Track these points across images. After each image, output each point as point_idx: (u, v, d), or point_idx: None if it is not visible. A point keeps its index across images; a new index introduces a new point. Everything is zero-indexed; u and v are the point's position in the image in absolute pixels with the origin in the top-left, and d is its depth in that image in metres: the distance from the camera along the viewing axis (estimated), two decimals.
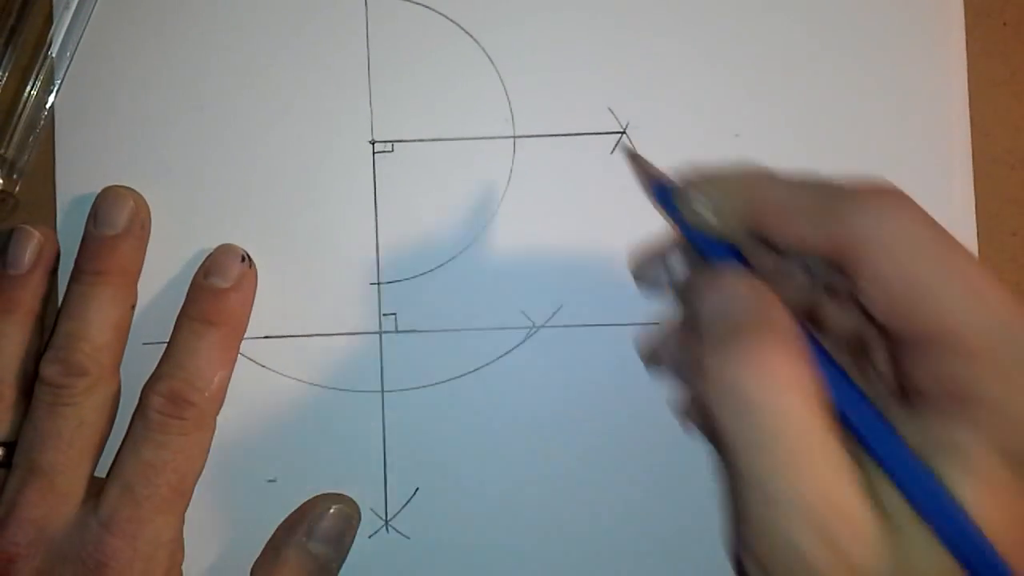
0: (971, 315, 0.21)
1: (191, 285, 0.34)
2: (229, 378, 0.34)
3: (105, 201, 0.34)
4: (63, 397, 0.32)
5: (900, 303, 0.21)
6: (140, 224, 0.34)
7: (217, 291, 0.33)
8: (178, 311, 0.34)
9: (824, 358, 0.23)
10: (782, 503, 0.20)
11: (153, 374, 0.33)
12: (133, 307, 0.34)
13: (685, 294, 0.27)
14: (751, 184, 0.25)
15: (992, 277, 0.21)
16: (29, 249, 0.34)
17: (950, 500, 0.20)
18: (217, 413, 0.34)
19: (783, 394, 0.20)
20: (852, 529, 0.20)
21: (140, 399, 0.33)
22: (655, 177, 0.27)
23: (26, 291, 0.33)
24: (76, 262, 0.34)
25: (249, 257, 0.34)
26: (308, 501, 0.34)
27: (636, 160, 0.28)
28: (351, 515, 0.34)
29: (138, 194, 0.35)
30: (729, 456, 0.21)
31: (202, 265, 0.34)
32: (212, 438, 0.33)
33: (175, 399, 0.32)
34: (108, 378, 0.33)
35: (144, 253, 0.35)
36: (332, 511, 0.34)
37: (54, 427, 0.32)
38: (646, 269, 0.29)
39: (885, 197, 0.22)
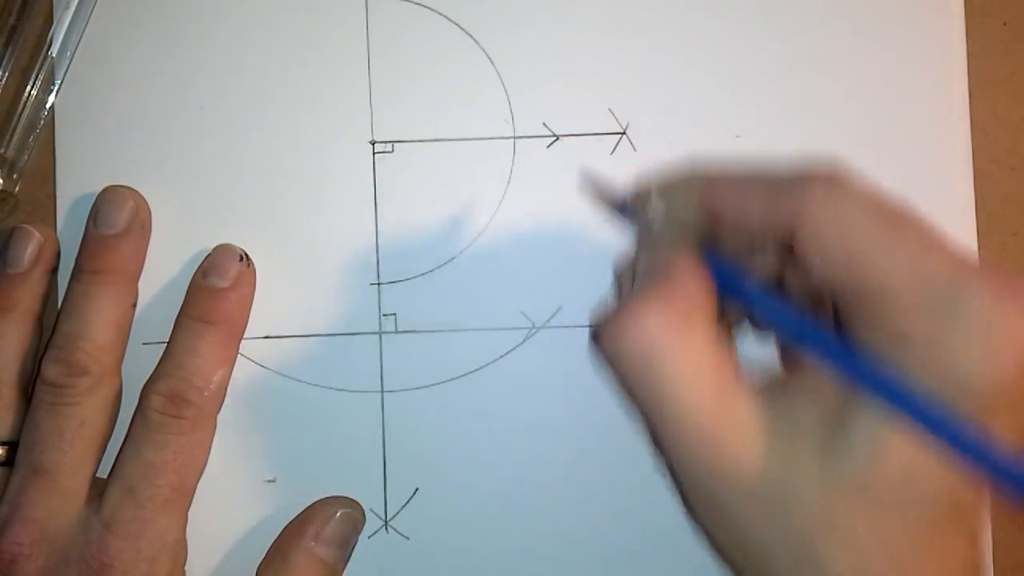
0: (907, 275, 0.23)
1: (190, 285, 0.34)
2: (229, 377, 0.34)
3: (106, 201, 0.34)
4: (65, 397, 0.32)
5: (844, 272, 0.24)
6: (140, 224, 0.34)
7: (215, 290, 0.33)
8: (178, 311, 0.34)
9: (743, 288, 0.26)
10: (674, 419, 0.24)
11: (153, 374, 0.33)
12: (134, 306, 0.34)
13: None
14: (703, 180, 0.27)
15: (928, 239, 0.23)
16: (29, 248, 0.34)
17: (907, 387, 0.23)
18: (217, 412, 0.34)
19: (661, 336, 0.24)
20: (733, 436, 0.24)
21: (140, 399, 0.33)
22: (617, 196, 0.29)
23: (25, 290, 0.33)
24: (76, 262, 0.34)
25: (247, 256, 0.34)
26: (314, 504, 0.34)
27: (594, 184, 0.30)
28: (357, 518, 0.34)
29: (138, 194, 0.35)
30: (633, 395, 0.25)
31: (201, 265, 0.34)
32: (213, 437, 0.33)
33: (175, 398, 0.32)
34: (109, 378, 0.33)
35: (145, 253, 0.35)
36: (339, 514, 0.34)
37: (56, 427, 0.32)
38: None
39: (829, 178, 0.24)
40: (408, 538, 0.35)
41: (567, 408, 0.35)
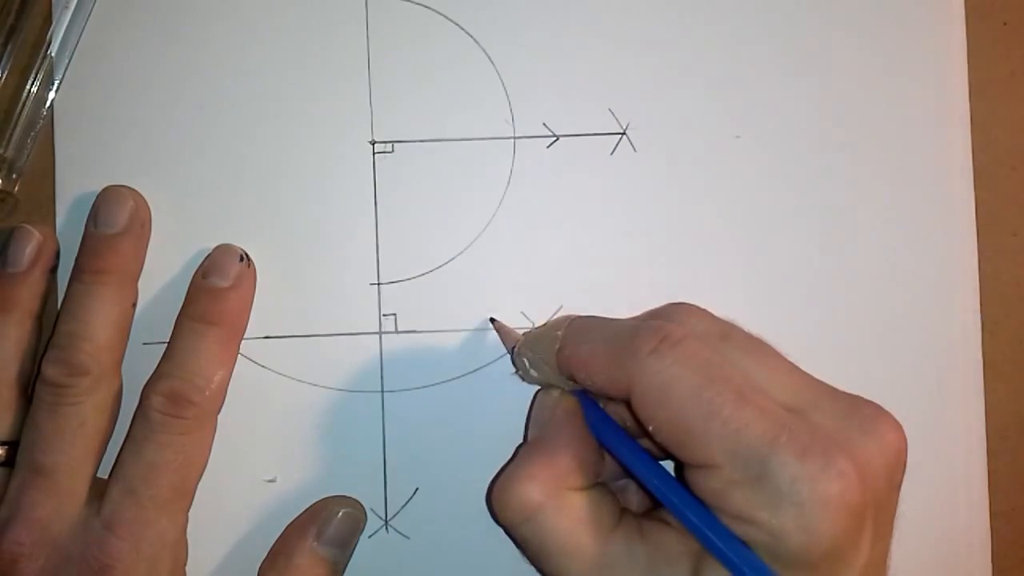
0: (722, 450, 0.25)
1: (190, 285, 0.34)
2: (229, 377, 0.34)
3: (105, 201, 0.34)
4: (65, 397, 0.32)
5: (670, 440, 0.26)
6: (140, 223, 0.34)
7: (216, 291, 0.33)
8: (178, 311, 0.34)
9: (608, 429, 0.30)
10: (559, 568, 0.28)
11: (153, 374, 0.33)
12: (134, 306, 0.34)
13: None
14: (560, 342, 0.30)
15: (744, 402, 0.25)
16: (28, 248, 0.34)
17: (695, 504, 0.26)
18: (218, 412, 0.34)
19: (537, 486, 0.28)
20: (580, 555, 0.28)
21: (141, 399, 0.33)
22: (510, 343, 0.33)
23: (25, 290, 0.33)
24: (77, 261, 0.34)
25: (248, 256, 0.34)
26: (316, 504, 0.34)
27: (499, 329, 0.34)
28: (359, 517, 0.34)
29: (138, 193, 0.35)
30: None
31: (201, 265, 0.34)
32: (214, 437, 0.33)
33: (176, 399, 0.32)
34: (109, 377, 0.33)
35: (145, 252, 0.35)
36: (341, 514, 0.34)
37: (56, 427, 0.32)
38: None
39: (656, 342, 0.27)
40: (408, 538, 0.35)
41: None
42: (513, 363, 0.33)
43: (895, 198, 0.35)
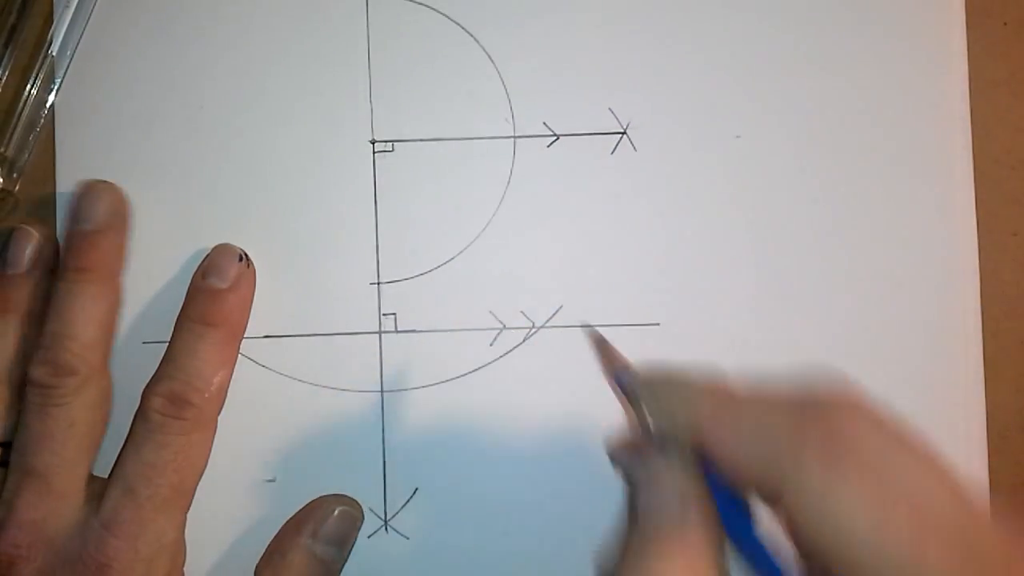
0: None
1: (190, 286, 0.34)
2: (229, 378, 0.34)
3: (83, 197, 0.34)
4: (53, 398, 0.32)
5: (818, 553, 0.23)
6: (120, 218, 0.34)
7: (215, 292, 0.33)
8: (178, 311, 0.34)
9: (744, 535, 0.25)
10: None
11: (154, 376, 0.33)
12: (118, 302, 0.34)
13: (633, 481, 0.27)
14: (701, 404, 0.25)
15: (921, 518, 0.22)
16: (28, 249, 0.34)
17: None
18: (218, 413, 0.33)
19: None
20: None
21: (141, 400, 0.33)
22: (619, 366, 0.28)
23: (24, 291, 0.33)
24: (60, 260, 0.34)
25: (247, 257, 0.34)
26: (313, 502, 0.34)
27: (601, 346, 0.29)
28: (356, 516, 0.34)
29: (116, 187, 0.34)
30: None
31: (200, 266, 0.34)
32: (213, 438, 0.33)
33: (175, 400, 0.32)
34: (97, 376, 0.33)
35: (125, 247, 0.34)
36: (337, 512, 0.34)
37: (45, 429, 0.32)
38: (621, 455, 0.29)
39: (829, 451, 0.22)
40: (408, 538, 0.35)
41: (567, 408, 0.35)
42: (623, 391, 0.27)
43: (895, 198, 0.35)
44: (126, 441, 0.33)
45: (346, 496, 0.35)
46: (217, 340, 0.33)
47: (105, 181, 0.35)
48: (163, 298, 0.35)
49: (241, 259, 0.34)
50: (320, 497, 0.34)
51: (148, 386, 0.33)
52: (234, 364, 0.34)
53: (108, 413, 0.33)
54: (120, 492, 0.31)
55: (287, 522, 0.34)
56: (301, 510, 0.34)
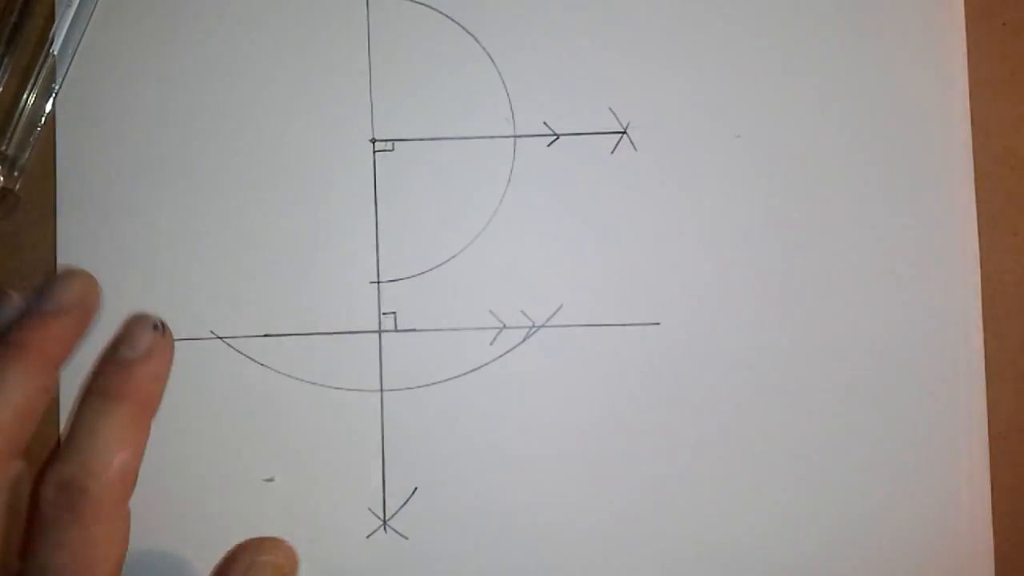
0: None
1: (99, 359, 0.30)
2: (138, 460, 0.29)
3: (56, 279, 0.30)
4: None
5: None
6: (83, 308, 0.30)
7: (122, 362, 0.29)
8: (177, 311, 0.34)
9: None
10: None
11: (46, 460, 0.28)
12: (48, 393, 0.29)
13: None
14: None
15: None
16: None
17: None
18: (125, 500, 0.28)
19: None
20: None
21: (32, 492, 0.28)
22: None
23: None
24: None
25: (164, 325, 0.30)
26: (235, 549, 0.30)
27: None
28: (280, 565, 0.30)
29: (92, 279, 0.31)
30: None
31: (112, 337, 0.30)
32: (126, 528, 0.28)
33: (67, 488, 0.27)
34: (2, 464, 0.28)
35: (76, 342, 0.30)
36: (254, 565, 0.29)
37: None
38: None
39: None
40: (407, 538, 0.35)
41: (567, 408, 0.35)
42: None
43: (895, 198, 0.35)
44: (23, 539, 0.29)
45: (274, 540, 0.30)
46: (122, 416, 0.28)
47: (83, 270, 0.31)
48: (161, 299, 0.35)
49: (156, 327, 0.30)
50: (246, 542, 0.30)
51: (41, 471, 0.28)
52: (144, 444, 0.29)
53: (19, 503, 0.29)
54: None
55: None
56: (224, 560, 0.30)
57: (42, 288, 0.30)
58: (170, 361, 0.30)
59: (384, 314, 0.35)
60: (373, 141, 0.35)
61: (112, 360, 0.29)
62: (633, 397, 0.35)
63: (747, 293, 0.35)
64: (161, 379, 0.30)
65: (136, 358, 0.29)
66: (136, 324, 0.30)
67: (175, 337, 0.34)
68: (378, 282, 0.35)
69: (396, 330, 0.35)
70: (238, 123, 0.35)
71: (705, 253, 0.35)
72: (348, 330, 0.35)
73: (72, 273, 0.31)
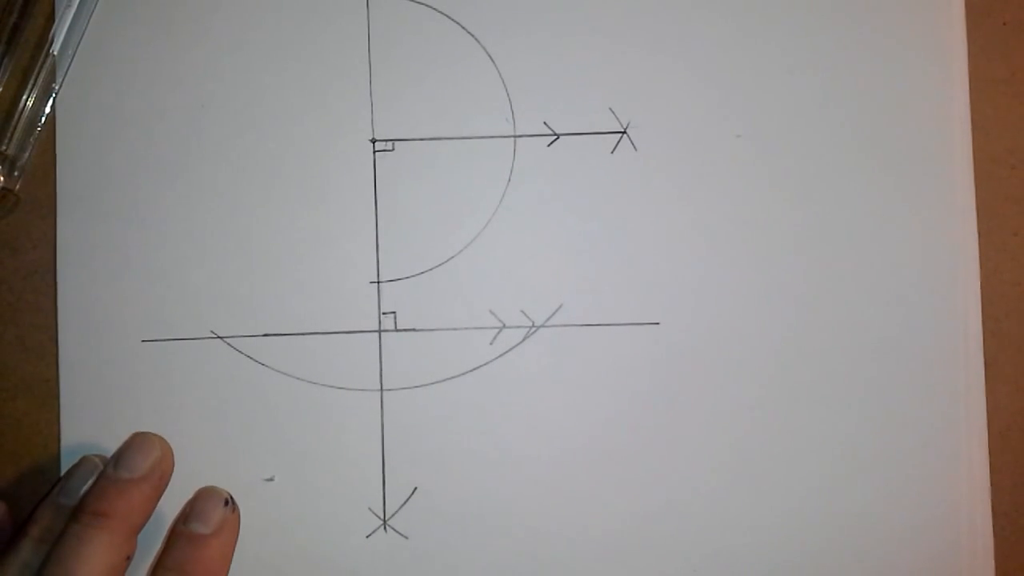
0: None
1: (169, 532, 0.32)
2: None
3: (130, 446, 0.32)
4: None
5: None
6: (160, 475, 0.32)
7: (195, 538, 0.31)
8: (178, 310, 0.34)
9: None
10: None
11: None
12: (129, 558, 0.31)
13: None
14: None
15: None
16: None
17: None
18: None
19: None
20: None
21: None
22: None
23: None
24: (81, 501, 0.31)
25: (232, 500, 0.32)
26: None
27: None
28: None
29: (166, 444, 0.33)
30: None
31: (182, 510, 0.32)
32: None
33: None
34: None
35: (154, 506, 0.32)
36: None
37: None
38: None
39: None
40: (407, 537, 0.35)
41: (567, 407, 0.35)
42: None
43: (895, 198, 0.35)
44: None
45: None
46: None
47: (158, 435, 0.33)
48: (163, 297, 0.35)
49: (227, 503, 0.32)
50: None
51: None
52: None
53: None
54: None
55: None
56: None
57: (120, 453, 0.32)
58: (236, 537, 0.32)
59: (384, 314, 0.35)
60: (373, 141, 0.35)
61: (184, 533, 0.31)
62: (633, 397, 0.35)
63: (747, 293, 0.35)
64: (228, 557, 0.32)
65: (209, 533, 0.31)
66: (208, 499, 0.32)
67: (175, 337, 0.35)
68: (378, 282, 0.35)
69: (396, 330, 0.35)
70: (238, 123, 0.35)
71: (705, 253, 0.35)
72: (348, 330, 0.35)
73: (148, 438, 0.33)
